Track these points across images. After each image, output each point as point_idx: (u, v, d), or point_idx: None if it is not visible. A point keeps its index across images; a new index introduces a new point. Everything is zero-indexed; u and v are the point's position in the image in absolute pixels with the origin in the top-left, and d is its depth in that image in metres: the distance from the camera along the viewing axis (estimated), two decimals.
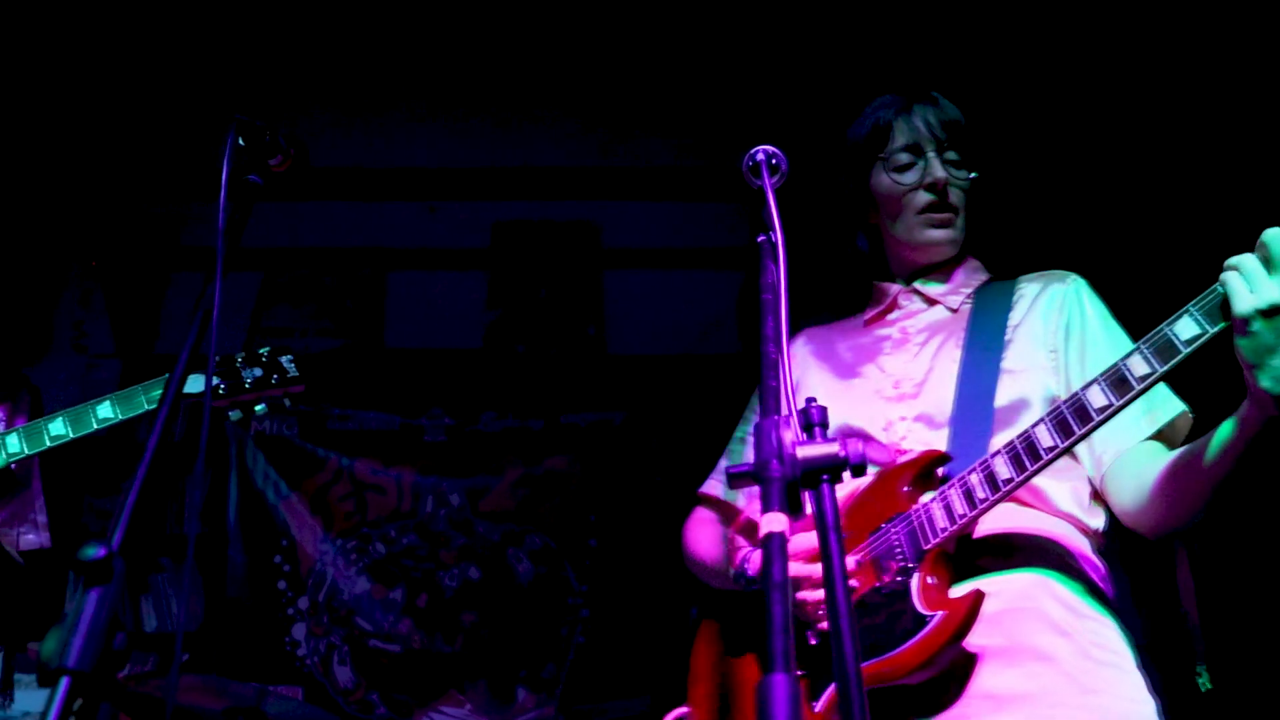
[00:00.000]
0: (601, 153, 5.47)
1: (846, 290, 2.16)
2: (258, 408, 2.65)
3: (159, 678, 3.49)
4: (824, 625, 1.63)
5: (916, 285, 2.01)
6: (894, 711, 1.58)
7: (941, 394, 1.82)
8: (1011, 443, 1.58)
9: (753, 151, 1.76)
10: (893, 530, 1.64)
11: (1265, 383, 1.42)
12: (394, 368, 5.32)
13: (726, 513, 2.08)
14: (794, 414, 1.11)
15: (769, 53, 4.86)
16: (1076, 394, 1.53)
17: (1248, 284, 1.41)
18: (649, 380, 4.69)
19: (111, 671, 1.05)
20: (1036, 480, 1.70)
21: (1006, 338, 1.85)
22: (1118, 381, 1.50)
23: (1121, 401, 1.50)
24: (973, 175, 1.98)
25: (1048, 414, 1.56)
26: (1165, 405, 1.75)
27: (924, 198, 1.93)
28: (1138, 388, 1.48)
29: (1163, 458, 1.70)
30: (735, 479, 1.12)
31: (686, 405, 4.72)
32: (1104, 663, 1.63)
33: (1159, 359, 1.47)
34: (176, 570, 4.94)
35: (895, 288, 2.04)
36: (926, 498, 1.65)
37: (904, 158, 1.98)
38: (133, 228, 5.19)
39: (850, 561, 1.68)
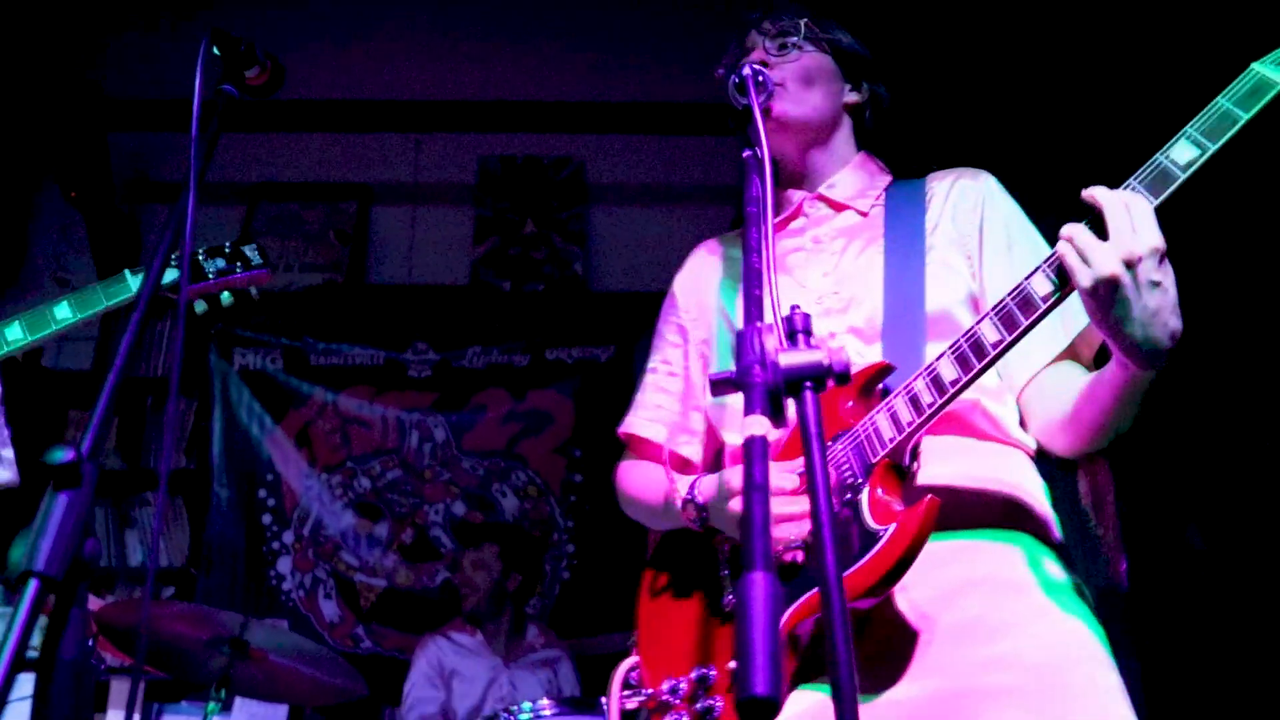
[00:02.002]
0: (588, 87, 5.41)
1: None
2: (224, 296, 2.52)
3: (140, 606, 3.48)
4: (791, 553, 1.59)
5: (821, 190, 1.93)
6: (878, 680, 1.51)
7: (869, 305, 1.75)
8: (957, 343, 1.51)
9: (739, 67, 1.73)
10: (838, 449, 1.57)
11: (1126, 349, 1.43)
12: (378, 303, 5.29)
13: (651, 451, 1.99)
14: (777, 321, 1.09)
15: None
16: (1021, 285, 1.48)
17: (1082, 257, 1.39)
18: (635, 316, 4.65)
19: (81, 578, 1.03)
20: (990, 405, 1.69)
21: (926, 242, 1.80)
22: (1059, 270, 1.46)
23: (1066, 290, 1.45)
24: (798, 53, 1.88)
25: (991, 309, 1.50)
26: (1073, 316, 1.67)
27: None
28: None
29: (1070, 379, 1.67)
30: (717, 385, 1.09)
31: None
32: (1070, 588, 1.60)
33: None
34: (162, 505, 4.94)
35: (799, 194, 1.95)
36: (873, 413, 1.58)
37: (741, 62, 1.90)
38: (105, 161, 5.12)
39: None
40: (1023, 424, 1.76)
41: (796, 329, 1.11)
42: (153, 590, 4.71)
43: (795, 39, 1.89)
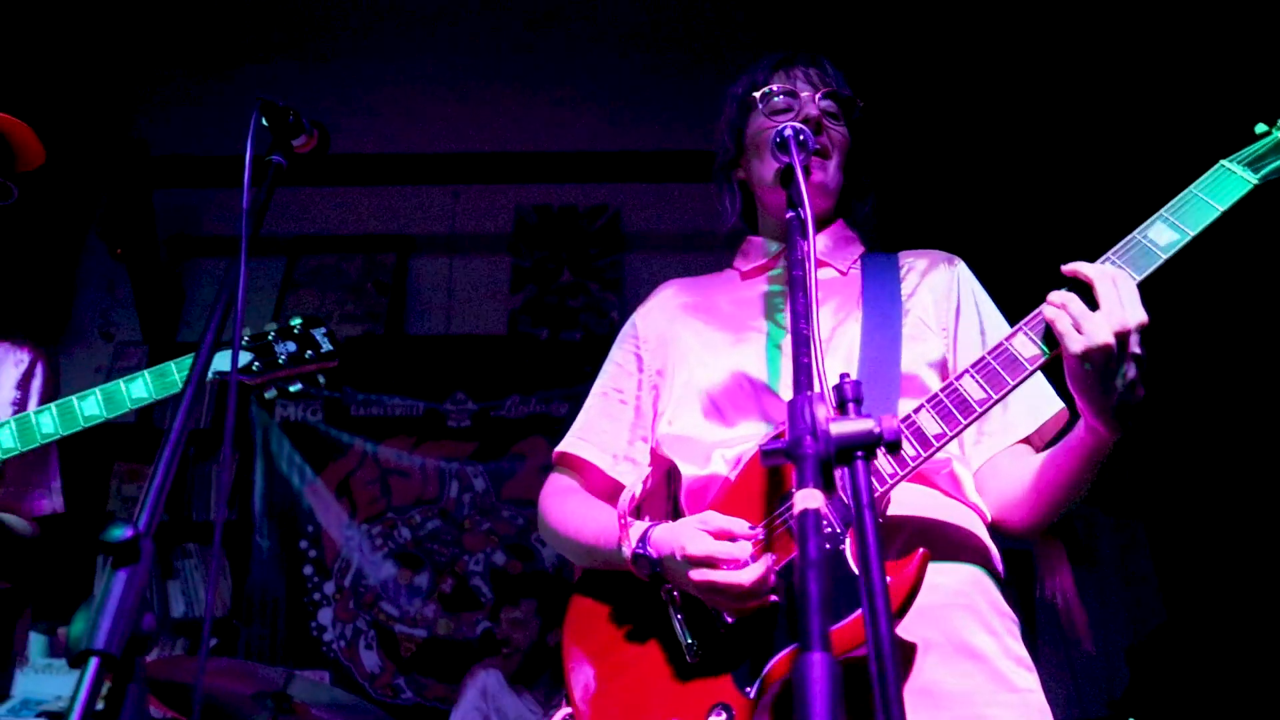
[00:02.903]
0: (623, 136, 5.45)
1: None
2: (292, 387, 2.56)
3: (187, 662, 3.50)
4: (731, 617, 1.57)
5: None
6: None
7: (846, 354, 1.78)
8: (936, 397, 1.55)
9: (781, 128, 1.74)
10: None
11: (1099, 414, 1.50)
12: (418, 353, 5.32)
13: (589, 476, 1.95)
14: (826, 390, 1.09)
15: (791, 38, 4.84)
16: (1002, 344, 1.55)
17: (1075, 325, 1.47)
18: None
19: (139, 653, 1.04)
20: (957, 467, 1.74)
21: (903, 306, 1.85)
22: (1046, 334, 1.54)
23: (1052, 354, 1.53)
24: (843, 125, 1.91)
25: (972, 366, 1.55)
26: (1042, 403, 1.79)
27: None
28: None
29: (1023, 461, 1.74)
30: (768, 455, 1.10)
31: None
32: (1023, 660, 1.64)
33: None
34: (203, 556, 4.96)
35: (776, 245, 1.99)
36: None
37: (780, 101, 1.93)
38: (150, 218, 5.21)
39: (751, 534, 1.59)
40: None
41: (847, 398, 1.11)
42: (194, 641, 4.75)
43: (850, 114, 1.94)
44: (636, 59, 5.49)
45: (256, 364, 2.51)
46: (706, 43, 5.25)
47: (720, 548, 1.55)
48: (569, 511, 1.90)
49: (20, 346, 2.74)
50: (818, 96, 1.91)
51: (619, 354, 2.06)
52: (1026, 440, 1.79)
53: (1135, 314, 1.47)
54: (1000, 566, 1.75)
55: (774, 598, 1.54)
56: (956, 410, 1.54)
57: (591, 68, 5.50)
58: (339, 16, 5.34)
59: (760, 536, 1.60)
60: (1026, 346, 1.54)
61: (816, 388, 1.11)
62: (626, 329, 2.09)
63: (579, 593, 1.81)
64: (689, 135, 5.31)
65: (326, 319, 5.29)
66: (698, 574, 1.53)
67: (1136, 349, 1.47)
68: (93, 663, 0.99)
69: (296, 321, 2.54)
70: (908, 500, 1.65)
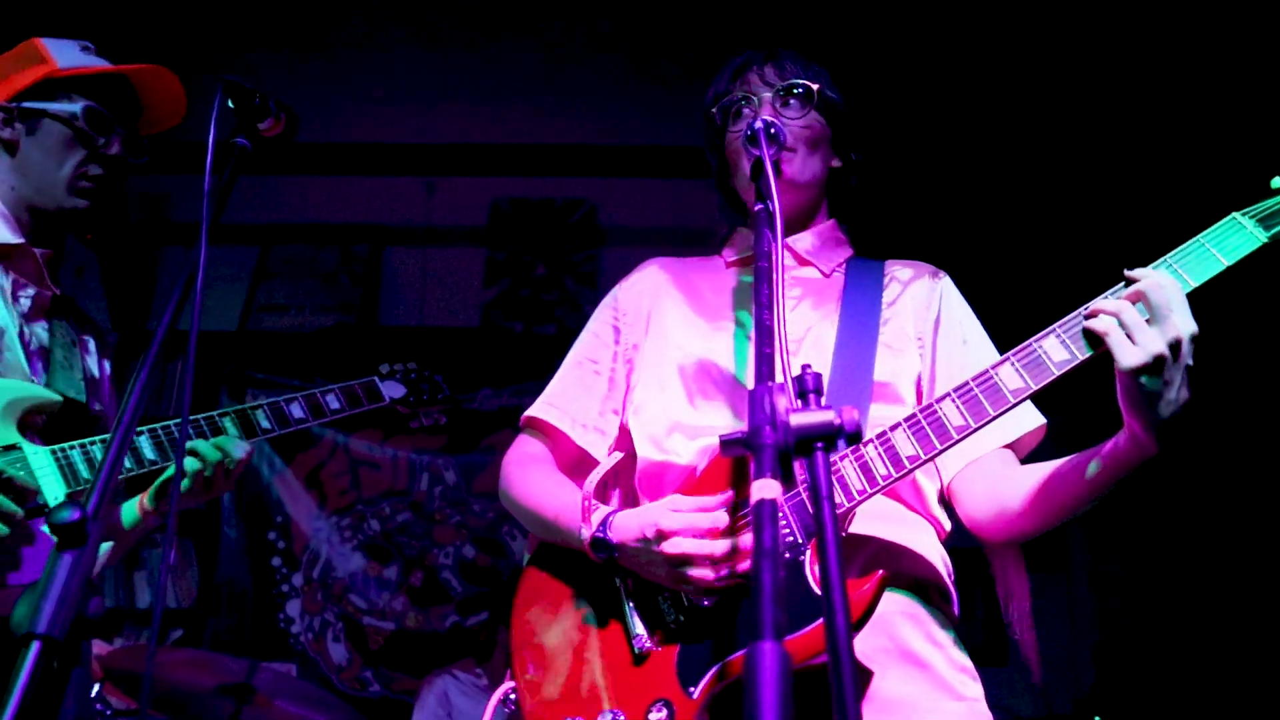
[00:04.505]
0: (600, 131, 5.43)
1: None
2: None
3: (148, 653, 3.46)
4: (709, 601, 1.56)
5: (789, 242, 1.92)
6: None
7: (819, 357, 1.76)
8: (914, 417, 1.52)
9: (750, 120, 1.72)
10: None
11: (1148, 427, 1.45)
12: (390, 344, 5.29)
13: (557, 442, 1.93)
14: (788, 381, 1.08)
15: (770, 35, 4.82)
16: (987, 373, 1.51)
17: (1129, 335, 1.43)
18: None
19: (84, 637, 1.02)
20: (920, 478, 1.71)
21: (883, 315, 1.83)
22: (1034, 364, 1.49)
23: (1039, 386, 1.49)
24: (807, 115, 1.89)
25: (954, 391, 1.52)
26: (1024, 415, 1.75)
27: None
28: (1056, 373, 1.49)
29: (1016, 468, 1.71)
30: (727, 445, 1.09)
31: None
32: (967, 669, 1.65)
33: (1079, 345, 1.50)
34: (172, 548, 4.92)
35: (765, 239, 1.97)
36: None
37: (741, 108, 1.90)
38: (122, 203, 5.15)
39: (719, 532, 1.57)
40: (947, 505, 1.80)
41: (807, 389, 1.10)
42: (161, 633, 4.70)
43: (811, 104, 1.89)
44: (616, 54, 5.47)
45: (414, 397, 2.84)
46: (686, 38, 5.24)
47: (695, 518, 1.55)
48: (532, 482, 1.87)
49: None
50: (775, 94, 1.89)
51: (597, 324, 2.04)
52: (1013, 448, 1.76)
53: (1187, 324, 1.43)
54: (949, 580, 1.73)
55: (744, 565, 1.52)
56: (934, 434, 1.51)
57: (571, 62, 5.48)
58: (317, 5, 5.29)
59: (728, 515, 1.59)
60: (1013, 378, 1.50)
61: (779, 378, 1.10)
62: (607, 300, 2.07)
63: (534, 566, 1.79)
64: (668, 131, 5.30)
65: (299, 310, 5.32)
66: (671, 545, 1.53)
67: (1189, 360, 1.44)
68: (35, 646, 0.96)
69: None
70: (871, 511, 1.62)
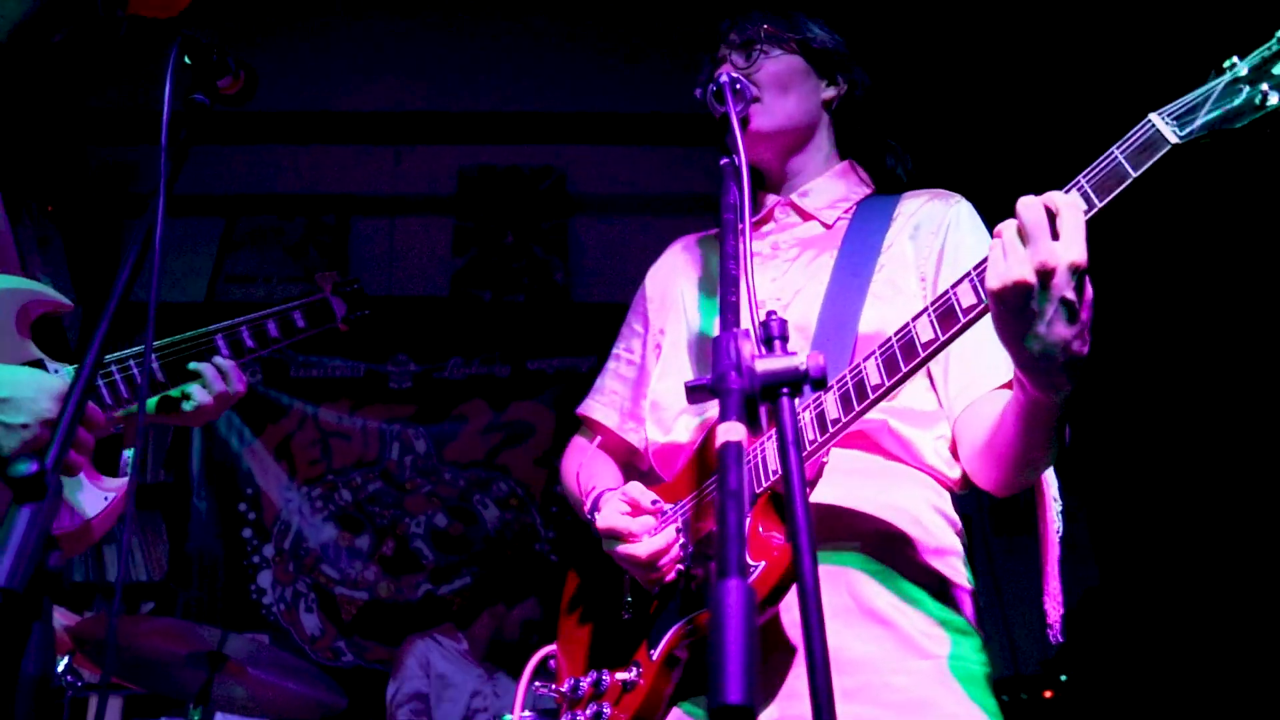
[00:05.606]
0: (570, 97, 5.40)
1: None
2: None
3: (120, 623, 3.44)
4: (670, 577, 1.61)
5: (793, 197, 1.88)
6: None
7: (805, 317, 1.70)
8: (888, 341, 1.41)
9: (717, 74, 1.71)
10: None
11: (1021, 365, 1.33)
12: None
13: (604, 435, 1.99)
14: (753, 327, 1.08)
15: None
16: (907, 325, 1.39)
17: (1003, 256, 1.27)
18: (617, 327, 4.65)
19: (45, 591, 1.01)
20: (899, 426, 1.63)
21: (879, 260, 1.73)
22: (947, 313, 1.36)
23: (946, 336, 1.36)
24: (771, 57, 1.83)
25: (878, 347, 1.42)
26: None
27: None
28: (963, 319, 1.35)
29: (986, 409, 1.55)
30: (693, 392, 1.09)
31: None
32: (935, 628, 1.55)
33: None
34: (138, 520, 4.89)
35: (773, 199, 1.91)
36: (764, 438, 1.52)
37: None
38: (84, 173, 5.08)
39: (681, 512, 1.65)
40: (955, 454, 1.69)
41: (773, 335, 1.10)
42: (131, 605, 4.67)
43: (760, 45, 1.85)
44: (585, 22, 5.43)
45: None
46: (653, 5, 5.20)
47: (623, 522, 1.63)
48: (569, 467, 2.00)
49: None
50: (737, 50, 1.86)
51: (632, 314, 2.07)
52: (1009, 386, 1.53)
53: (1066, 252, 1.23)
54: (944, 532, 1.64)
55: (671, 575, 1.60)
56: (855, 396, 1.42)
57: (539, 29, 5.44)
58: None
59: (690, 504, 1.64)
60: (925, 330, 1.37)
61: (744, 325, 1.10)
62: (640, 288, 2.09)
63: (569, 566, 1.93)
64: (638, 98, 5.29)
65: (267, 280, 5.27)
66: (606, 545, 1.65)
67: (1066, 293, 1.24)
68: None
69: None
70: (850, 467, 1.59)
